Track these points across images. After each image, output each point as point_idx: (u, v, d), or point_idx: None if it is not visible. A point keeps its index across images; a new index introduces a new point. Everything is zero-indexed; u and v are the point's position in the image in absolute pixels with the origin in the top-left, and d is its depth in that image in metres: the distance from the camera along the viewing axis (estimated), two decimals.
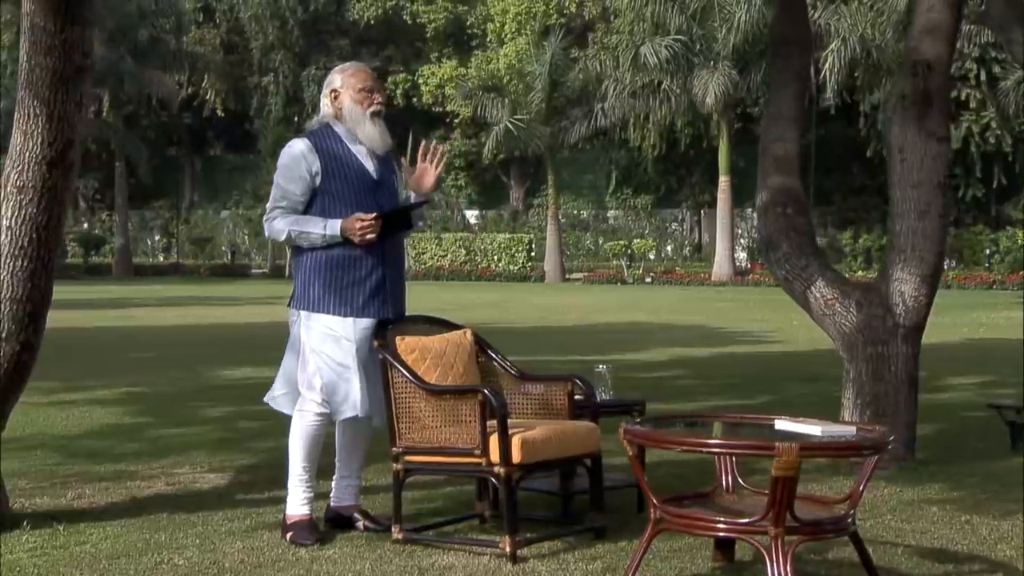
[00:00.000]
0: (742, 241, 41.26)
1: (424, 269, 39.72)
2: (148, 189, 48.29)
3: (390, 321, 5.32)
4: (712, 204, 39.82)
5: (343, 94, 5.37)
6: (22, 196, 5.22)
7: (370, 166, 5.36)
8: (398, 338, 5.22)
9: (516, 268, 39.58)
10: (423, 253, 40.88)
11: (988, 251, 36.74)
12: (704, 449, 4.48)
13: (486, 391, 4.93)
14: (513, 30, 43.90)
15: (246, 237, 43.63)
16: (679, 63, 34.81)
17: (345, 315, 5.21)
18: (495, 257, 40.27)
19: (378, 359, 5.17)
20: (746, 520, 4.31)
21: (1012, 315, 21.30)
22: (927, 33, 7.04)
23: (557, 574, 4.70)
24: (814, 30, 34.85)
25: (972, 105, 36.92)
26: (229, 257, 44.64)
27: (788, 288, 7.32)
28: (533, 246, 40.75)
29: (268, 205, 5.35)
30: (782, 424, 4.65)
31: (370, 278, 5.26)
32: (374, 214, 5.19)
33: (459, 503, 5.86)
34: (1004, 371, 12.37)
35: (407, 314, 5.50)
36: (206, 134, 51.50)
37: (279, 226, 5.30)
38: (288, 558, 4.93)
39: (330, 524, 5.43)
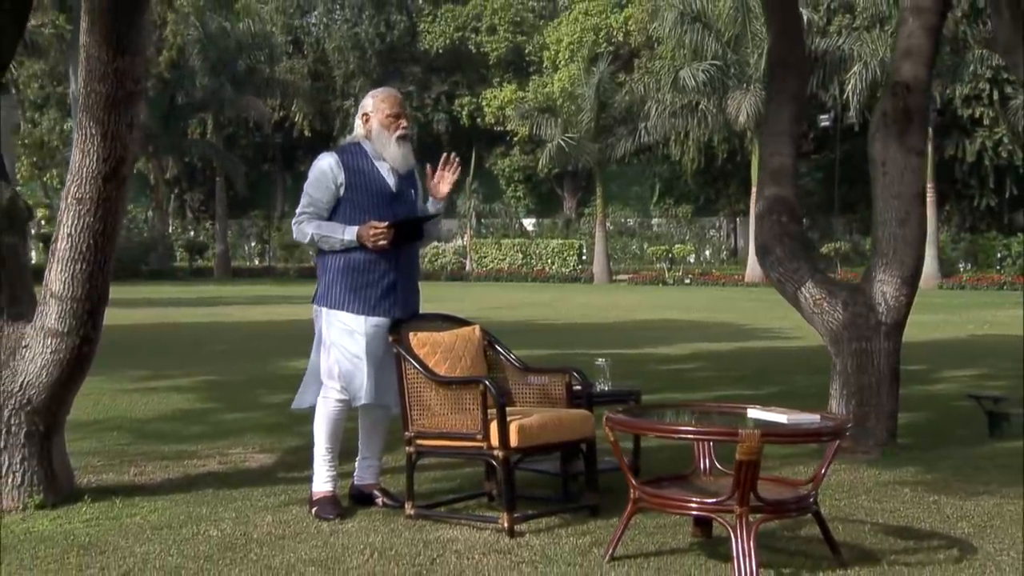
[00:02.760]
0: None
1: (486, 271, 39.74)
2: (245, 201, 48.80)
3: (405, 319, 5.31)
4: (746, 212, 39.32)
5: (373, 118, 5.36)
6: (81, 207, 5.26)
7: (391, 181, 5.36)
8: (411, 334, 5.21)
9: (567, 270, 39.44)
10: (484, 257, 40.89)
11: (1000, 255, 36.13)
12: (674, 436, 4.42)
13: (487, 382, 4.90)
14: (566, 57, 43.72)
15: None
16: (715, 85, 34.55)
17: (358, 312, 5.22)
18: (549, 261, 40.16)
19: (393, 352, 5.16)
20: (714, 500, 4.26)
21: (1017, 313, 20.85)
22: (907, 56, 6.89)
23: (549, 547, 4.65)
24: (838, 55, 34.68)
25: (985, 122, 36.17)
26: (314, 261, 44.84)
27: (781, 289, 7.20)
28: (583, 251, 40.57)
29: (297, 210, 5.38)
30: (753, 412, 4.58)
31: (383, 281, 5.26)
32: (386, 223, 5.19)
33: (473, 482, 5.82)
34: (1000, 365, 12.10)
35: (422, 312, 5.49)
36: (295, 152, 51.78)
37: (305, 229, 5.32)
38: (310, 531, 4.93)
39: (353, 500, 5.42)
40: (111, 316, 19.63)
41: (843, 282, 7.33)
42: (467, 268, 40.51)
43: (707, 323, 19.13)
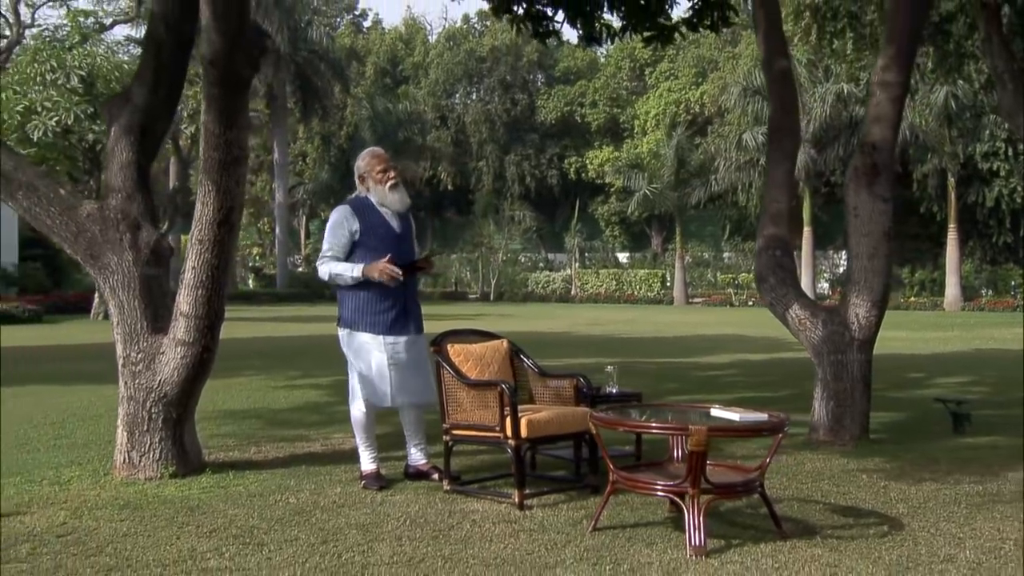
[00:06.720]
0: (824, 275, 39.57)
1: (587, 295, 39.48)
2: None
3: (448, 332, 5.32)
4: (799, 248, 38.30)
5: (368, 177, 5.33)
6: (201, 246, 5.41)
7: (394, 224, 5.34)
8: (449, 345, 5.20)
9: (652, 294, 38.90)
10: (586, 283, 40.63)
11: (1014, 283, 34.52)
12: (638, 430, 4.29)
13: (503, 385, 4.85)
14: (653, 125, 43.37)
15: (467, 272, 44.02)
16: None
17: (377, 333, 5.21)
18: (637, 287, 39.71)
19: (423, 360, 5.17)
20: (673, 483, 4.12)
21: (1019, 331, 19.75)
22: (875, 121, 6.60)
23: (548, 519, 4.56)
24: None
25: (1002, 173, 34.65)
26: (454, 285, 45.28)
27: (772, 310, 6.96)
28: (666, 278, 40.00)
29: (321, 252, 5.32)
30: (715, 411, 4.42)
31: (396, 307, 5.24)
32: (400, 267, 5.15)
33: (507, 464, 5.75)
34: (988, 374, 11.49)
35: (457, 328, 5.48)
36: (442, 202, 52.40)
37: (325, 268, 5.27)
38: (365, 500, 4.93)
39: (409, 478, 5.41)
40: (289, 328, 20.10)
41: (823, 305, 7.04)
42: (572, 292, 40.33)
43: (753, 337, 18.65)
